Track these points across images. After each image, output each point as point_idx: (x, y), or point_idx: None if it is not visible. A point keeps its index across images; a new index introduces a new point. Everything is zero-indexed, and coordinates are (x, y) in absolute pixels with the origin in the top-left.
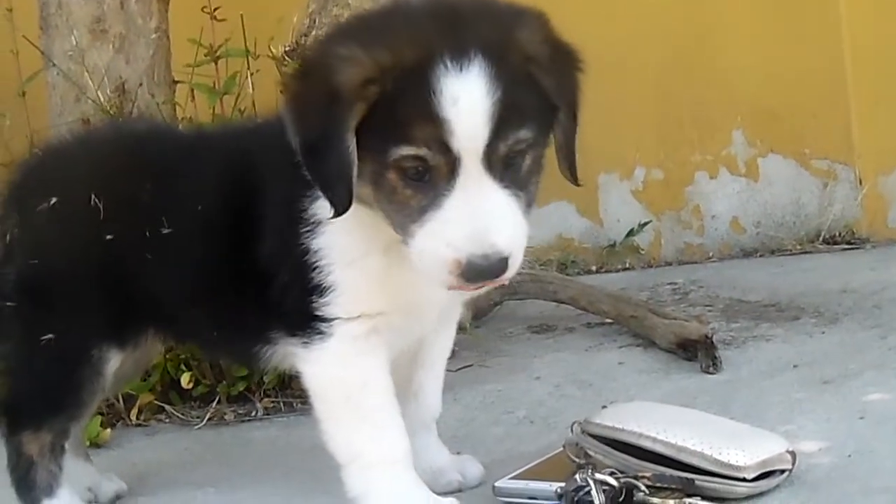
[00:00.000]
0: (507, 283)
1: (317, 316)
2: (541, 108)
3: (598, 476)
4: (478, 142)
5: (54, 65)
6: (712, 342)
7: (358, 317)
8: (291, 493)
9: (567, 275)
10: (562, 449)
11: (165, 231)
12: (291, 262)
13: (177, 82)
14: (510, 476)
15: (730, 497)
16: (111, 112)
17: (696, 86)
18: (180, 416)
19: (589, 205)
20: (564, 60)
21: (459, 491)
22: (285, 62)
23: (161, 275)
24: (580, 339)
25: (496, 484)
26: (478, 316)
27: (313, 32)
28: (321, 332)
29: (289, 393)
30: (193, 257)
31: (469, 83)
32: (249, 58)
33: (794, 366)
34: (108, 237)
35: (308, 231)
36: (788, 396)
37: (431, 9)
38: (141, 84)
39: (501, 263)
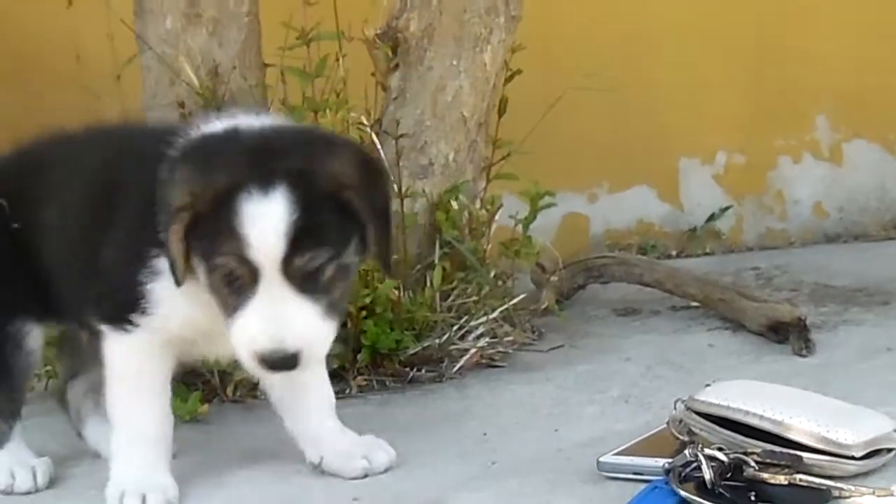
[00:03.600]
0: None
1: (127, 319)
2: (348, 226)
3: (708, 451)
4: (274, 256)
5: (150, 48)
6: (805, 325)
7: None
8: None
9: None
10: (665, 426)
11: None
12: (123, 280)
13: (267, 65)
14: (614, 452)
15: (837, 475)
16: (204, 95)
17: (780, 70)
18: None
19: (669, 189)
20: (375, 182)
21: (366, 476)
22: (377, 45)
23: (42, 260)
24: (667, 322)
25: (601, 459)
26: (561, 299)
27: (405, 15)
28: (125, 329)
29: (381, 372)
30: (59, 245)
31: (268, 206)
32: (341, 40)
33: (888, 349)
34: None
35: (149, 273)
36: (885, 379)
37: (251, 139)
38: (234, 67)
39: (292, 357)
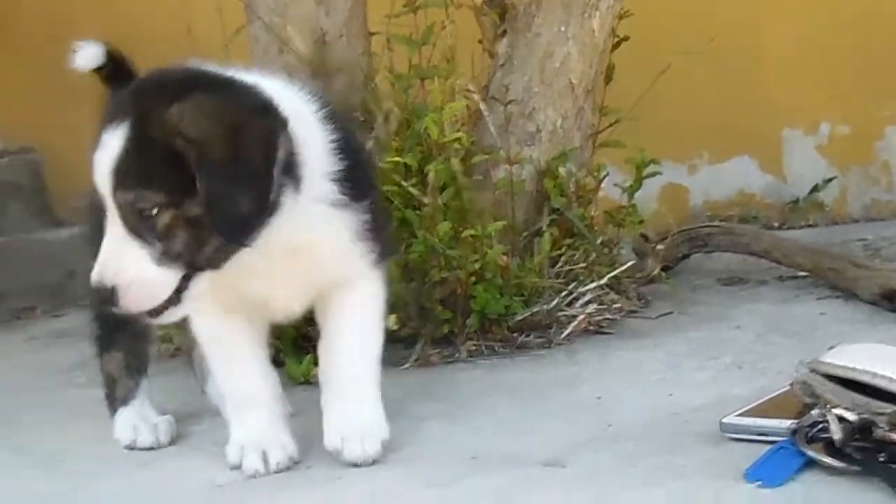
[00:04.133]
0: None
1: None
2: (179, 176)
3: (836, 411)
4: (106, 190)
5: (258, 18)
6: None
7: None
8: (503, 428)
9: None
10: (786, 388)
11: None
12: None
13: (373, 34)
14: (736, 413)
15: None
16: (312, 64)
17: (886, 39)
18: (386, 356)
19: (771, 160)
20: (219, 134)
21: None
22: (485, 11)
23: None
24: (775, 292)
25: (723, 420)
26: (665, 268)
27: None
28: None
29: (490, 337)
30: None
31: (107, 144)
32: (448, 7)
33: None
34: None
35: None
36: None
37: (151, 79)
38: (341, 36)
39: (110, 292)
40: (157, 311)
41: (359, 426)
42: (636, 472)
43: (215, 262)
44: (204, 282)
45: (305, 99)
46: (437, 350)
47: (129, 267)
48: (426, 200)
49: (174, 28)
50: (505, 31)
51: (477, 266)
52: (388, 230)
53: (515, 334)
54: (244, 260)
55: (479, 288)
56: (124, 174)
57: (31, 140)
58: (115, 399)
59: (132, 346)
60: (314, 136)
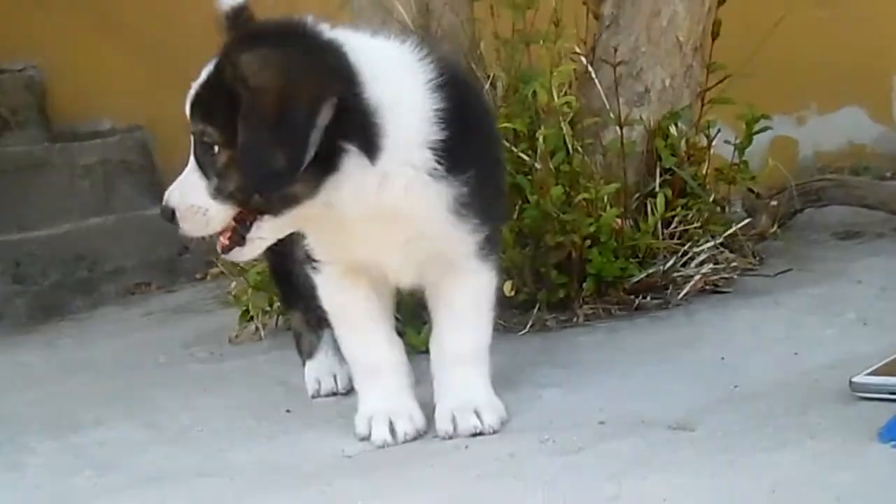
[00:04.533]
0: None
1: (313, 259)
2: (233, 120)
3: None
4: (187, 119)
5: None
6: None
7: (330, 262)
8: (627, 392)
9: None
10: None
11: None
12: None
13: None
14: (866, 372)
15: None
16: (417, 32)
17: None
18: (503, 322)
19: (882, 109)
20: (264, 91)
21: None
22: None
23: None
24: (893, 244)
25: (853, 379)
26: (778, 223)
27: None
28: (315, 269)
29: (606, 300)
30: None
31: (198, 79)
32: None
33: None
34: None
35: None
36: None
37: (250, 29)
38: (445, 3)
39: (167, 210)
40: (225, 248)
41: (470, 401)
42: (768, 432)
43: (270, 209)
44: (267, 226)
45: (412, 65)
46: (553, 315)
47: (190, 195)
48: (537, 165)
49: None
50: None
51: (591, 229)
52: (500, 205)
53: (632, 297)
54: (332, 219)
55: (594, 251)
56: (198, 107)
57: (141, 118)
58: (302, 353)
59: (308, 304)
60: (409, 103)
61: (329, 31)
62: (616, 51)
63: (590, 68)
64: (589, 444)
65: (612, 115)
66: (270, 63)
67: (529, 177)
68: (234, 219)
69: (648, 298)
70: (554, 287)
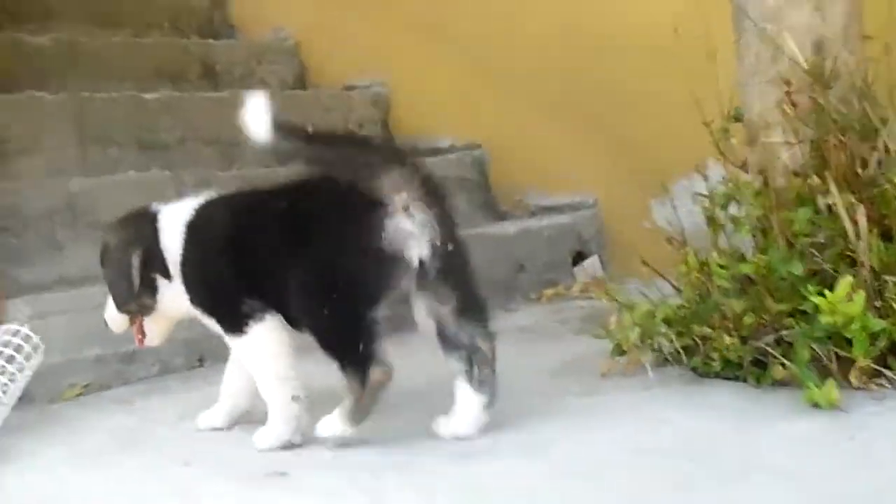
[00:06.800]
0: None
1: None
2: None
3: None
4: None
5: (752, 23)
6: None
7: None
8: None
9: None
10: None
11: None
12: None
13: (867, 38)
14: None
15: None
16: (811, 71)
17: None
18: None
19: None
20: (106, 248)
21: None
22: None
23: None
24: None
25: None
26: None
27: None
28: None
29: None
30: None
31: None
32: None
33: None
34: None
35: None
36: None
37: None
38: (839, 42)
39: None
40: (139, 339)
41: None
42: None
43: (144, 314)
44: (150, 324)
45: (184, 216)
46: None
47: (107, 309)
48: None
49: (657, 26)
50: None
51: None
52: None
53: None
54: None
55: None
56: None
57: (479, 136)
58: None
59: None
60: (172, 244)
61: (154, 207)
62: None
63: None
64: None
65: None
66: (108, 231)
67: None
68: (132, 321)
69: None
70: None
